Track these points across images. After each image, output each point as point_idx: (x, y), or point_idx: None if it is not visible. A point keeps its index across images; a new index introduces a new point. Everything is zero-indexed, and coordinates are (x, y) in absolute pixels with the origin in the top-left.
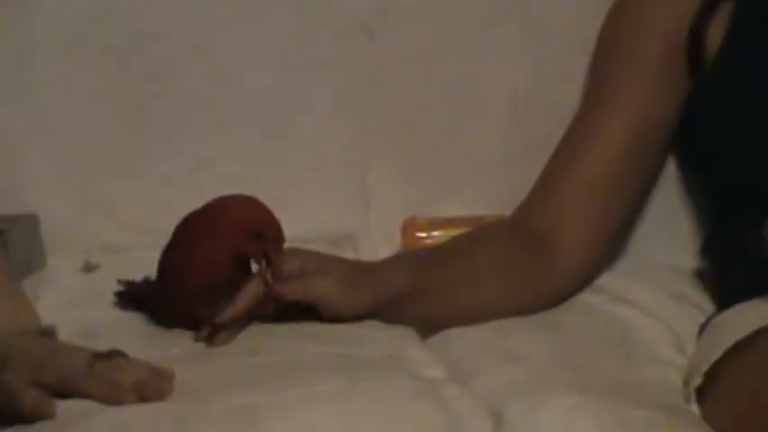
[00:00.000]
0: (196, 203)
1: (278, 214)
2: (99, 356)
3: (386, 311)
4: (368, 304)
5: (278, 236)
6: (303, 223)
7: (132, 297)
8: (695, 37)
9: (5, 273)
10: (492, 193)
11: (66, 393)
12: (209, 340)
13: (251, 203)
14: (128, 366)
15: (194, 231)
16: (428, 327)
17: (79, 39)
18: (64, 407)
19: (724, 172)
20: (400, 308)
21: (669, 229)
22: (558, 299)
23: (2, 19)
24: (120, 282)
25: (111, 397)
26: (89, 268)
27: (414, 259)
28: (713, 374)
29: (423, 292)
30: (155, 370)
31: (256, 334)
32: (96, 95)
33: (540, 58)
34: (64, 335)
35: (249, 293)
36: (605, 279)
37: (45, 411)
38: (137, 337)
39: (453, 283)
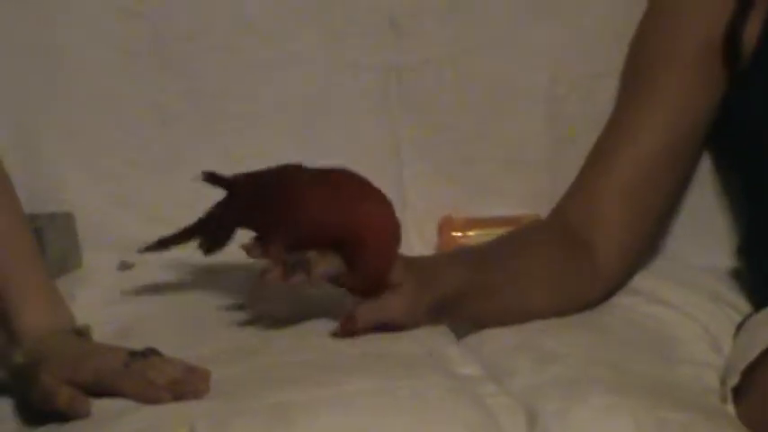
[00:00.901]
0: None
1: None
2: (134, 355)
3: (442, 312)
4: (431, 316)
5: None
6: None
7: None
8: (732, 33)
9: (41, 271)
10: (528, 192)
11: (101, 392)
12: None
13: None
14: (163, 365)
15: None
16: (473, 326)
17: (110, 39)
18: (99, 405)
19: (761, 169)
20: (454, 307)
21: (705, 229)
22: (595, 300)
23: (33, 20)
24: None
25: (147, 396)
26: (125, 267)
27: (468, 259)
28: (750, 374)
29: (477, 291)
30: (190, 368)
31: (292, 332)
32: (128, 95)
33: (575, 54)
34: (100, 333)
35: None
36: (641, 279)
37: (80, 410)
38: (172, 336)
39: (501, 284)
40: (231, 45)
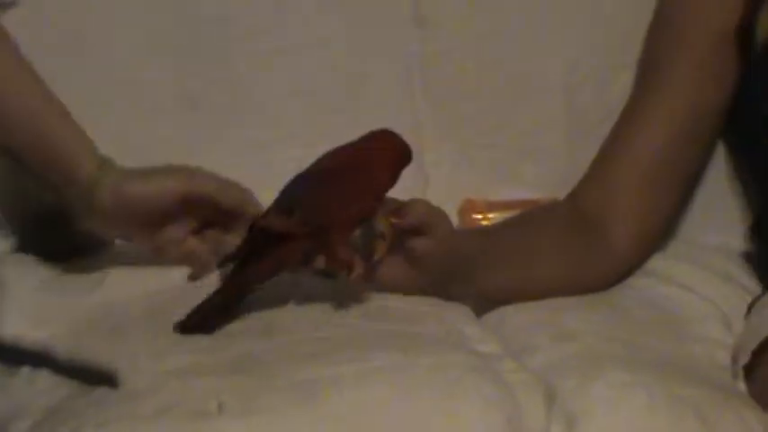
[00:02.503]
0: (255, 187)
1: None
2: None
3: (456, 277)
4: (442, 285)
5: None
6: None
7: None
8: (746, 23)
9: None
10: (547, 176)
11: None
12: (367, 278)
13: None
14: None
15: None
16: (488, 298)
17: (139, 26)
18: (131, 381)
19: None
20: (465, 276)
21: (717, 212)
22: (609, 280)
23: (57, 6)
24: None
25: None
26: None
27: (482, 233)
28: (760, 354)
29: (487, 261)
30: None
31: (318, 310)
32: (155, 83)
33: (593, 42)
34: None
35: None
36: (655, 260)
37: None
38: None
39: (514, 257)
40: (259, 32)
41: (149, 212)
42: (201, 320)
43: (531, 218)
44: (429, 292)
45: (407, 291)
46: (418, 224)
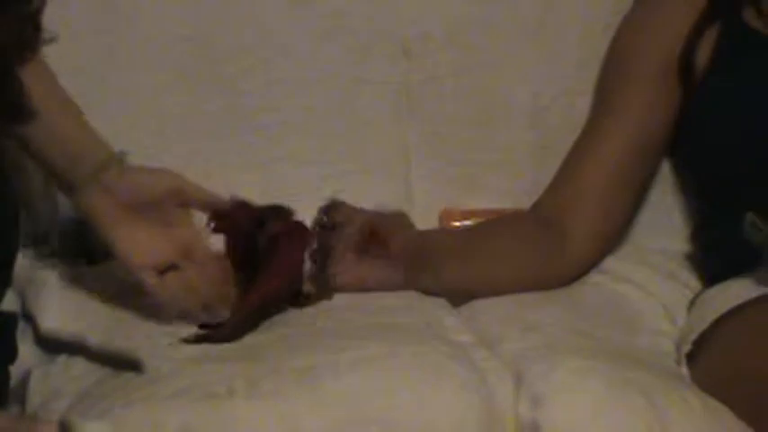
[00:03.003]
0: (258, 199)
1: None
2: None
3: (426, 269)
4: (415, 271)
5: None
6: None
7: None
8: (686, 56)
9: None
10: (515, 188)
11: None
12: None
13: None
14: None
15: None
16: (456, 292)
17: (168, 60)
18: (150, 367)
19: (711, 172)
20: (437, 266)
21: (663, 220)
22: (568, 278)
23: (90, 45)
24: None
25: None
26: None
27: (450, 232)
28: (700, 342)
29: (456, 257)
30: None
31: (313, 307)
32: (176, 109)
33: (555, 73)
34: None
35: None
36: (609, 261)
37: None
38: None
39: (478, 253)
40: (266, 65)
41: (148, 194)
42: (231, 334)
43: (496, 224)
44: (404, 287)
45: (386, 288)
46: (381, 231)
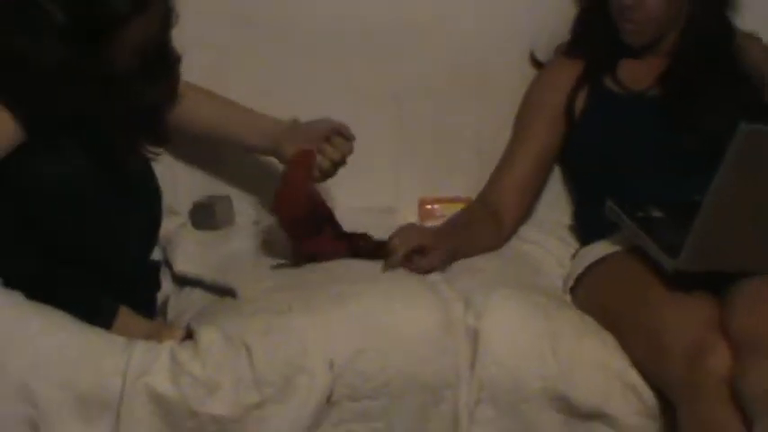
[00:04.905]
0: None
1: (342, 196)
2: None
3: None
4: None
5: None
6: (358, 201)
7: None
8: (569, 105)
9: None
10: (468, 183)
11: None
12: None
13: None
14: None
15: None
16: (457, 258)
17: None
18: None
19: (585, 174)
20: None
21: (557, 202)
22: (501, 243)
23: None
24: None
25: None
26: (255, 223)
27: (451, 224)
28: (579, 279)
29: (456, 236)
30: None
31: (325, 266)
32: (194, 39)
33: (493, 112)
34: (249, 255)
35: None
36: (523, 230)
37: None
38: (251, 270)
39: (461, 232)
40: (283, 110)
41: (315, 132)
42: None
43: (468, 214)
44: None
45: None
46: (419, 248)
